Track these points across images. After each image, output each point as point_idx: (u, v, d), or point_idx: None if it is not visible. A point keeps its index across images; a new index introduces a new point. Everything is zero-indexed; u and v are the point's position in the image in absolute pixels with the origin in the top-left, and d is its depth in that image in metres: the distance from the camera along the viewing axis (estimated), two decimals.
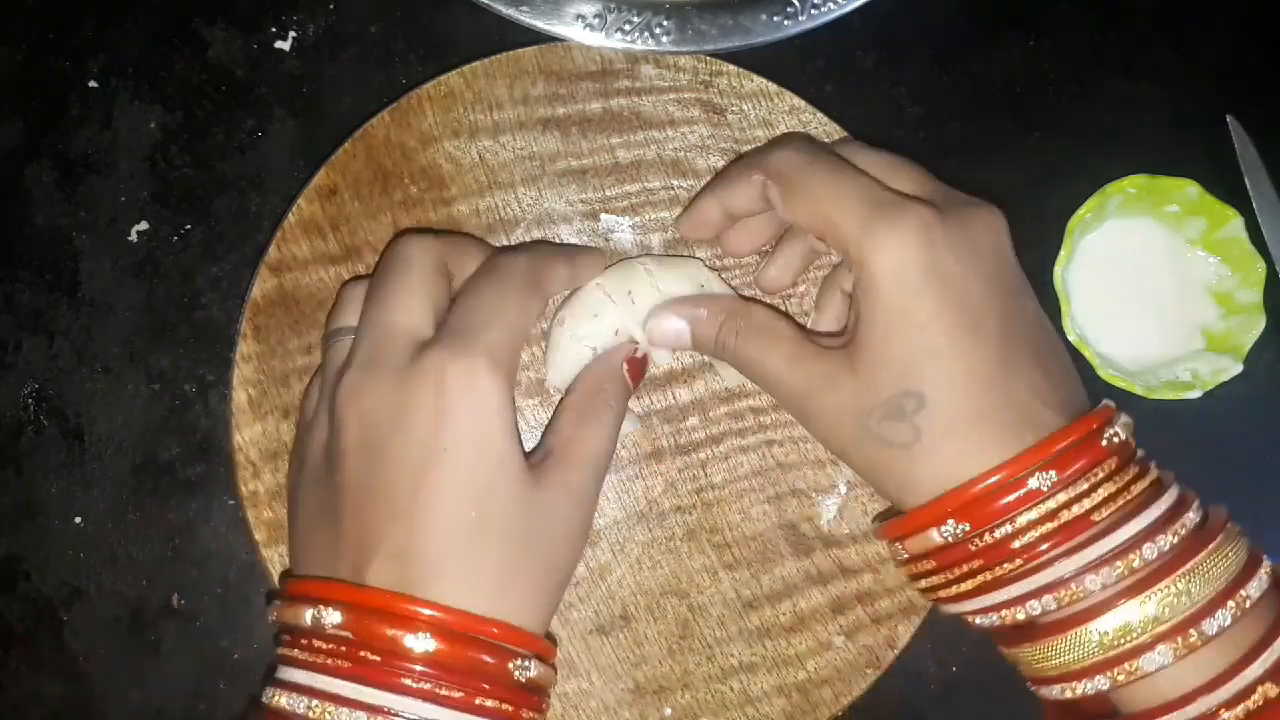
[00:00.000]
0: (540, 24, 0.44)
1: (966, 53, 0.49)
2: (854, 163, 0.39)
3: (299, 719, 0.33)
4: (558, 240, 0.45)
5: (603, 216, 0.45)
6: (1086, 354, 0.46)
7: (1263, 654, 0.32)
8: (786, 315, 0.41)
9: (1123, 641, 0.33)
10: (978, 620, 0.36)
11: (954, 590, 0.36)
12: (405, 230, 0.44)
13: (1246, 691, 0.32)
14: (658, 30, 0.44)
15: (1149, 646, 0.33)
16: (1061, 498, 0.33)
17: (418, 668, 0.33)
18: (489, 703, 0.33)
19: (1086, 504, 0.33)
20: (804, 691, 0.44)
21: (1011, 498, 0.33)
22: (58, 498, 0.46)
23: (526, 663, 0.34)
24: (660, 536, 0.44)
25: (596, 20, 0.44)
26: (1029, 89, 0.50)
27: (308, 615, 0.34)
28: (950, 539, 0.35)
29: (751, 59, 0.46)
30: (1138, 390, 0.46)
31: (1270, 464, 0.49)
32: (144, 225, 0.47)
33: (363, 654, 0.33)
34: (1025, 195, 0.49)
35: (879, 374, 0.35)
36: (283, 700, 0.33)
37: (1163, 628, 0.33)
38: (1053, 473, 0.33)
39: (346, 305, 0.40)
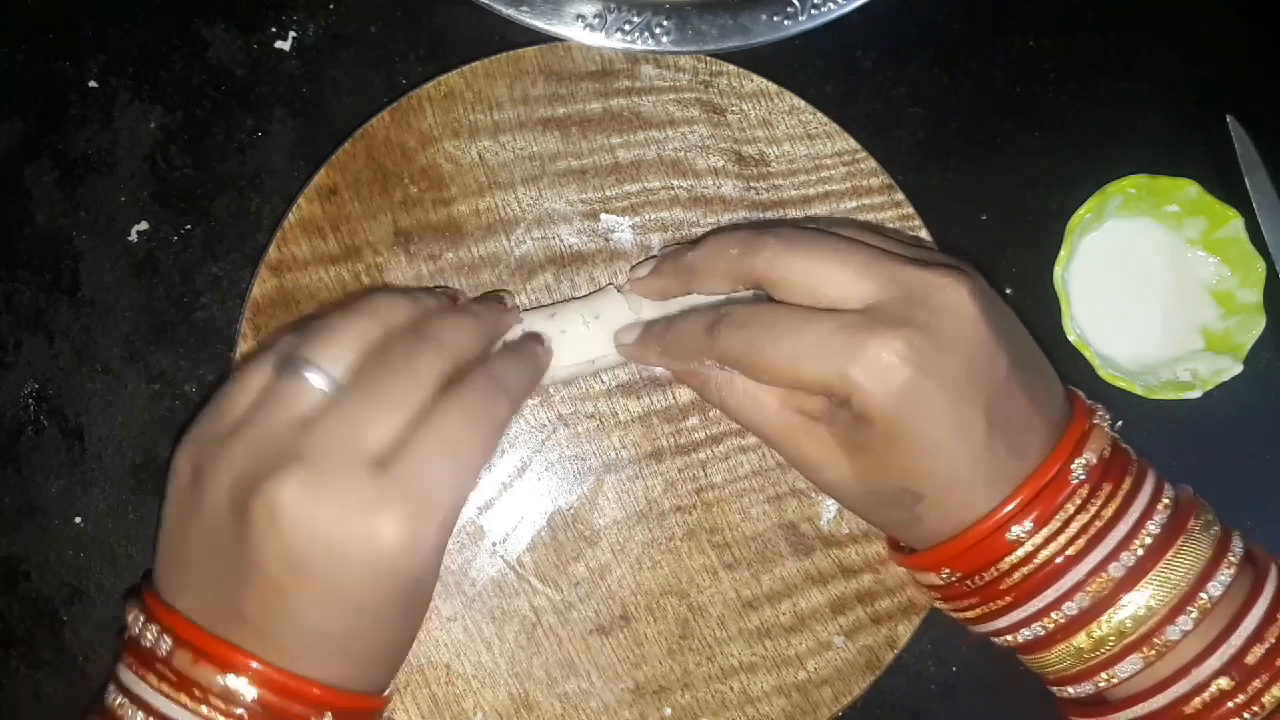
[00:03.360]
0: (540, 24, 0.44)
1: (966, 53, 0.49)
2: (791, 269, 0.38)
3: None
4: (557, 241, 0.45)
5: (603, 216, 0.45)
6: (1086, 354, 0.46)
7: (1219, 649, 0.35)
8: None
9: (1099, 653, 0.36)
10: (993, 639, 0.39)
11: (963, 616, 0.40)
12: (437, 313, 0.39)
13: (1202, 685, 0.35)
14: (658, 30, 0.44)
15: (1121, 657, 0.36)
16: (1038, 540, 0.36)
17: None
18: None
19: (1061, 540, 0.36)
20: (804, 691, 0.44)
21: (998, 543, 0.36)
22: (58, 498, 0.46)
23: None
24: (660, 536, 0.44)
25: (596, 20, 0.44)
26: (1029, 89, 0.50)
27: (220, 680, 0.33)
28: (948, 581, 0.39)
29: (751, 59, 0.46)
30: (1138, 390, 0.46)
31: (1270, 464, 0.49)
32: (144, 225, 0.47)
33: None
34: (1025, 195, 0.49)
35: (879, 476, 0.38)
36: None
37: (1129, 639, 0.36)
38: (1028, 522, 0.36)
39: (337, 338, 0.36)
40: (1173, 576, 0.36)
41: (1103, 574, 0.36)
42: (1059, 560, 0.36)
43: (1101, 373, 0.46)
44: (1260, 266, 0.47)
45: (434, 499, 0.34)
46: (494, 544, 0.44)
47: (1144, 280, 0.49)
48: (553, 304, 0.43)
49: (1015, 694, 0.46)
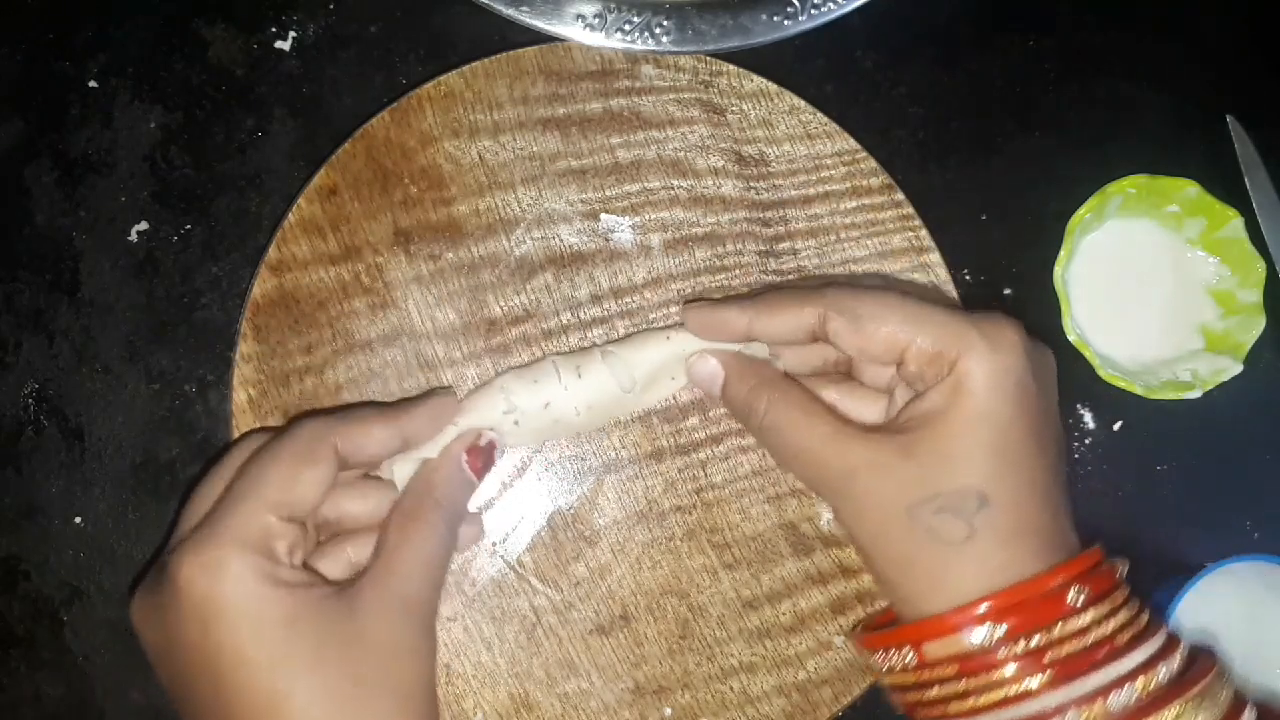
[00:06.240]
0: (540, 24, 0.44)
1: (966, 53, 0.50)
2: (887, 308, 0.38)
3: None
4: (557, 241, 0.45)
5: (603, 216, 0.45)
6: (1086, 354, 0.46)
7: None
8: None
9: None
10: None
11: (986, 698, 0.34)
12: (308, 412, 0.43)
13: None
14: (658, 30, 0.44)
15: None
16: (1092, 614, 0.34)
17: None
18: None
19: (1111, 625, 0.34)
20: (804, 691, 0.44)
21: (1060, 600, 0.34)
22: (58, 498, 0.46)
23: None
24: (660, 536, 0.44)
25: (596, 20, 0.44)
26: (1029, 89, 0.50)
27: None
28: (985, 643, 0.33)
29: (751, 59, 0.46)
30: (1138, 390, 0.46)
31: (1270, 464, 0.49)
32: (144, 225, 0.47)
33: None
34: (1025, 195, 0.49)
35: (945, 465, 0.35)
36: None
37: None
38: (1087, 588, 0.34)
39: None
40: (1221, 695, 0.34)
41: (1151, 672, 0.33)
42: (1109, 646, 0.34)
43: (1101, 373, 0.46)
44: (1260, 266, 0.47)
45: (221, 527, 0.34)
46: (494, 544, 0.44)
47: (1144, 280, 0.49)
48: (540, 362, 0.43)
49: None
